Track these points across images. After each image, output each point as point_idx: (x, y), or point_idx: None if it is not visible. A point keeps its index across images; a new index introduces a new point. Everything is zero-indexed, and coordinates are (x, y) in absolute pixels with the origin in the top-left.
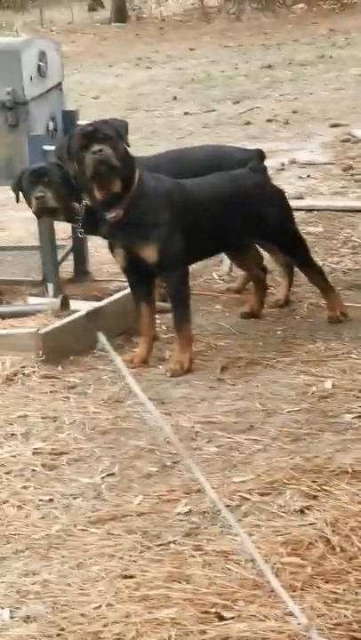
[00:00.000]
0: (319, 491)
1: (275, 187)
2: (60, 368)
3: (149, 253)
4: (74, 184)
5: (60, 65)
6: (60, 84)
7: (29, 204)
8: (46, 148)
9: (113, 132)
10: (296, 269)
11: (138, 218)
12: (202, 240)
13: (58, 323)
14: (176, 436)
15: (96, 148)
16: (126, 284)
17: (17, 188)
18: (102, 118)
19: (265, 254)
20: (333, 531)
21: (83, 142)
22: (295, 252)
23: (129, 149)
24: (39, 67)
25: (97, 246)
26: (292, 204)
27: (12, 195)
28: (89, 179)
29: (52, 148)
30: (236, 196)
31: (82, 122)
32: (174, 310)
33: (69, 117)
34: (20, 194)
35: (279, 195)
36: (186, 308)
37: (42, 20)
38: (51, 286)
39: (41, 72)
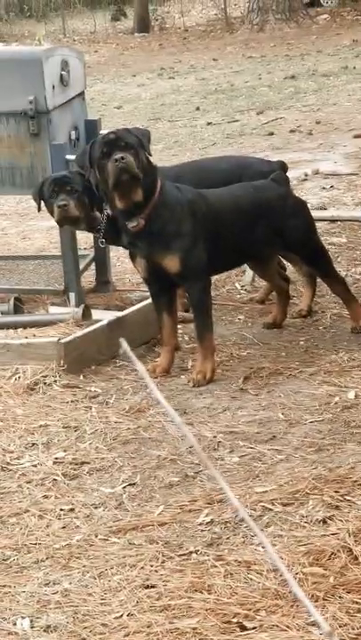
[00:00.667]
0: (342, 501)
1: (297, 198)
2: (81, 377)
3: (171, 264)
4: (96, 193)
5: (82, 74)
6: (82, 93)
7: (51, 212)
8: (69, 157)
9: (135, 141)
10: (319, 280)
11: (159, 227)
12: (224, 251)
13: (79, 332)
14: (199, 445)
15: (118, 155)
16: (148, 293)
17: (38, 196)
18: (125, 127)
19: (288, 264)
20: (356, 541)
21: (105, 150)
22: (318, 262)
23: (151, 158)
24: (62, 76)
25: (119, 256)
26: (316, 214)
27: (34, 204)
28: (110, 187)
29: (74, 157)
30: (259, 206)
31: (104, 131)
32: (196, 320)
33: (92, 126)
34: (42, 203)
35: (301, 206)
36: (208, 318)
37: (64, 29)
38: (72, 296)
39: (63, 81)
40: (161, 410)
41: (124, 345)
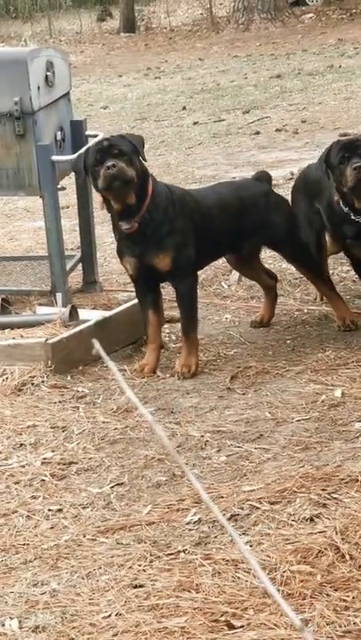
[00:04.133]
0: (329, 499)
1: (279, 195)
2: (69, 378)
3: (163, 263)
4: None
5: (67, 74)
6: (68, 94)
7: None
8: (54, 157)
9: (128, 147)
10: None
11: (153, 228)
12: (209, 247)
13: (67, 333)
14: (172, 444)
15: (110, 163)
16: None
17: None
18: (119, 133)
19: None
20: (343, 539)
21: (97, 157)
22: (301, 260)
23: (145, 163)
24: (47, 76)
25: (106, 256)
26: None
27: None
28: (103, 192)
29: (61, 157)
30: (242, 203)
31: (91, 132)
32: (183, 316)
33: (77, 127)
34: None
35: (283, 203)
36: (194, 314)
37: (50, 30)
38: (59, 296)
39: (49, 82)
40: (148, 409)
41: (97, 345)
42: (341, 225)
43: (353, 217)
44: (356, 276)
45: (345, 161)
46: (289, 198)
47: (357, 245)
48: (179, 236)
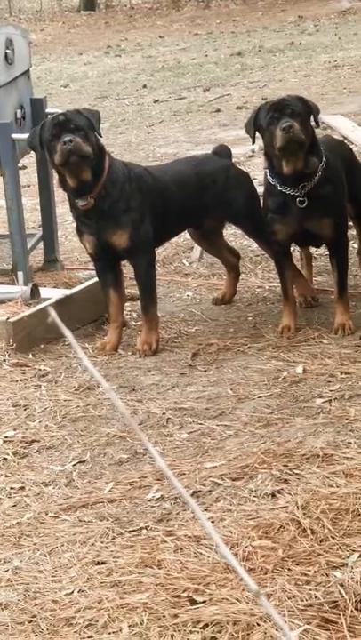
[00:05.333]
0: (290, 474)
1: (240, 170)
2: (30, 356)
3: (121, 240)
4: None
5: (27, 52)
6: (27, 72)
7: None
8: (15, 136)
9: (85, 122)
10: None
11: (109, 205)
12: (168, 223)
13: (28, 311)
14: (134, 421)
15: (66, 138)
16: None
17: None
18: (75, 108)
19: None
20: (304, 514)
21: (54, 132)
22: (261, 235)
23: (100, 139)
24: (6, 54)
25: (67, 234)
26: (262, 190)
27: None
28: (60, 168)
29: (21, 135)
30: (201, 179)
31: (51, 110)
32: (142, 293)
33: (38, 105)
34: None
35: (244, 177)
36: (153, 291)
37: (10, 8)
38: (21, 275)
39: (8, 59)
40: (111, 387)
41: (53, 313)
42: (267, 198)
43: (279, 188)
44: (317, 252)
45: (274, 122)
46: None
47: (279, 221)
48: (136, 212)
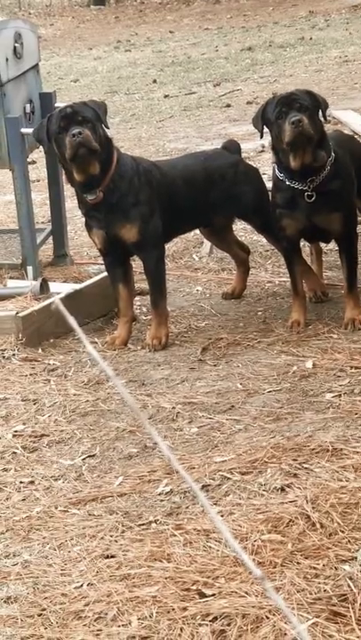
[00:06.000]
0: (300, 469)
1: (249, 165)
2: (40, 351)
3: (130, 234)
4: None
5: (36, 46)
6: (36, 66)
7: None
8: (24, 130)
9: (92, 114)
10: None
11: (118, 199)
12: (177, 218)
13: (37, 305)
14: (144, 415)
15: (75, 130)
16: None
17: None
18: (81, 100)
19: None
20: (313, 508)
21: (62, 124)
22: (270, 230)
23: (108, 131)
24: (15, 48)
25: (77, 229)
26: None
27: None
28: (68, 161)
29: (30, 130)
30: (210, 174)
31: (60, 104)
32: (152, 288)
33: (47, 99)
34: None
35: (253, 173)
36: (163, 285)
37: (20, 2)
38: (30, 269)
39: (17, 53)
40: (121, 381)
41: (57, 300)
42: (275, 193)
43: (288, 182)
44: (328, 248)
45: (282, 116)
46: (260, 170)
47: (288, 216)
48: (145, 206)
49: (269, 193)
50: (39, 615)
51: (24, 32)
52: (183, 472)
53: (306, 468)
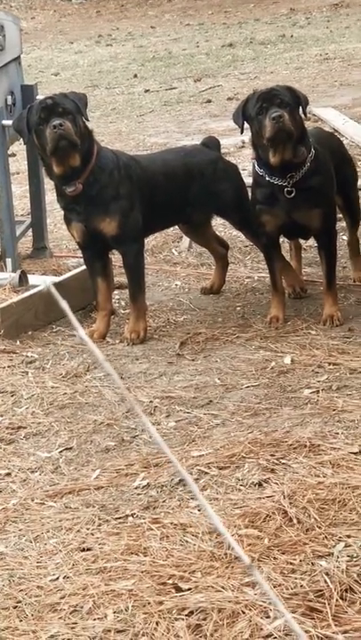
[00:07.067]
0: (277, 464)
1: (228, 162)
2: (18, 343)
3: (109, 227)
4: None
5: (18, 38)
6: (18, 58)
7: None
8: (5, 122)
9: (72, 106)
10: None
11: (97, 192)
12: (156, 213)
13: (16, 298)
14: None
15: (56, 122)
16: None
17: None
18: (61, 92)
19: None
20: (291, 503)
21: (42, 116)
22: (249, 227)
23: (88, 123)
24: None
25: (56, 222)
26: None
27: None
28: (48, 153)
29: (10, 122)
30: (189, 170)
31: (41, 96)
32: (130, 282)
33: (28, 92)
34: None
35: (232, 169)
36: (141, 280)
37: None
38: (9, 261)
39: None
40: (98, 375)
41: (49, 283)
42: (255, 189)
43: (267, 178)
44: (307, 244)
45: (263, 111)
46: (240, 166)
47: (267, 212)
48: (125, 200)
49: (249, 189)
50: (14, 607)
51: (6, 24)
52: (175, 460)
53: (283, 463)
